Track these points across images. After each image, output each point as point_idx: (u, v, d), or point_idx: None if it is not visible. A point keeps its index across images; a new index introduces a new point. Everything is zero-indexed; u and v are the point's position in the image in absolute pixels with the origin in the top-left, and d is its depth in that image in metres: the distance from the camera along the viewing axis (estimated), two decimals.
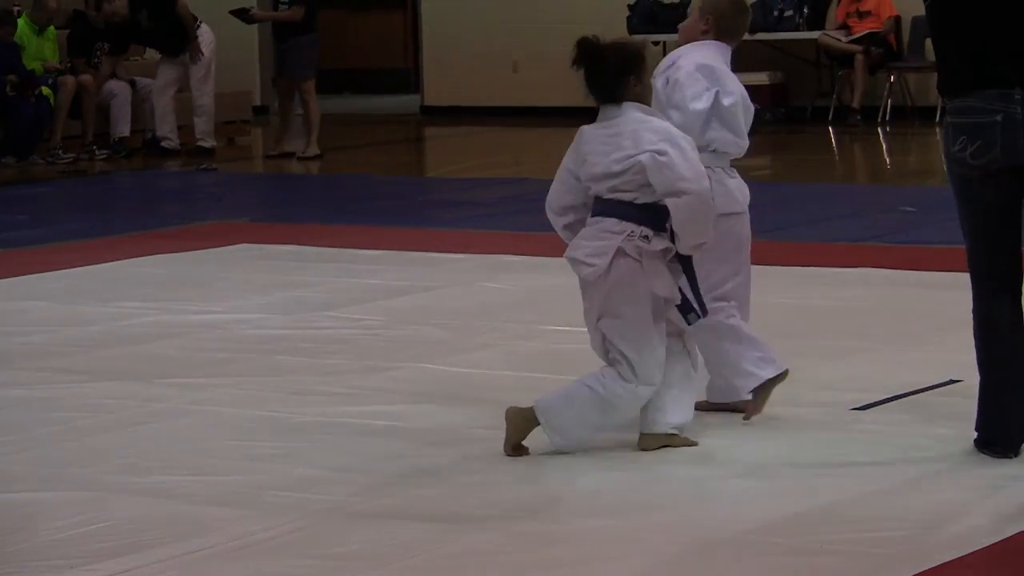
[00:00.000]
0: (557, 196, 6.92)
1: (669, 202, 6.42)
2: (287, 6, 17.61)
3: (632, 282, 6.46)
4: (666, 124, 6.65)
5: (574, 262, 6.60)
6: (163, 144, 18.20)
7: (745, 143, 7.10)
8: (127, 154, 17.81)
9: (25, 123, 17.26)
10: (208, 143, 18.24)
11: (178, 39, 18.05)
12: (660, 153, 6.44)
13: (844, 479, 6.13)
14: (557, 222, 6.85)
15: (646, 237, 6.46)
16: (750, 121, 7.11)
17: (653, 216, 6.48)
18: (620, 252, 6.45)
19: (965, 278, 6.39)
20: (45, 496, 6.10)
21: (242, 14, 18.12)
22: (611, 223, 6.52)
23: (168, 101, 18.30)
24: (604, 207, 6.58)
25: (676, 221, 6.44)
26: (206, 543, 5.54)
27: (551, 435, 6.46)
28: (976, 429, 6.37)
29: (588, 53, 6.87)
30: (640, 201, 6.48)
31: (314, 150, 17.61)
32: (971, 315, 6.34)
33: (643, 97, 6.79)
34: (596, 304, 6.57)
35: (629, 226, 6.47)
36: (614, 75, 6.81)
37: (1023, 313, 6.29)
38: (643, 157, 6.45)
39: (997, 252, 6.27)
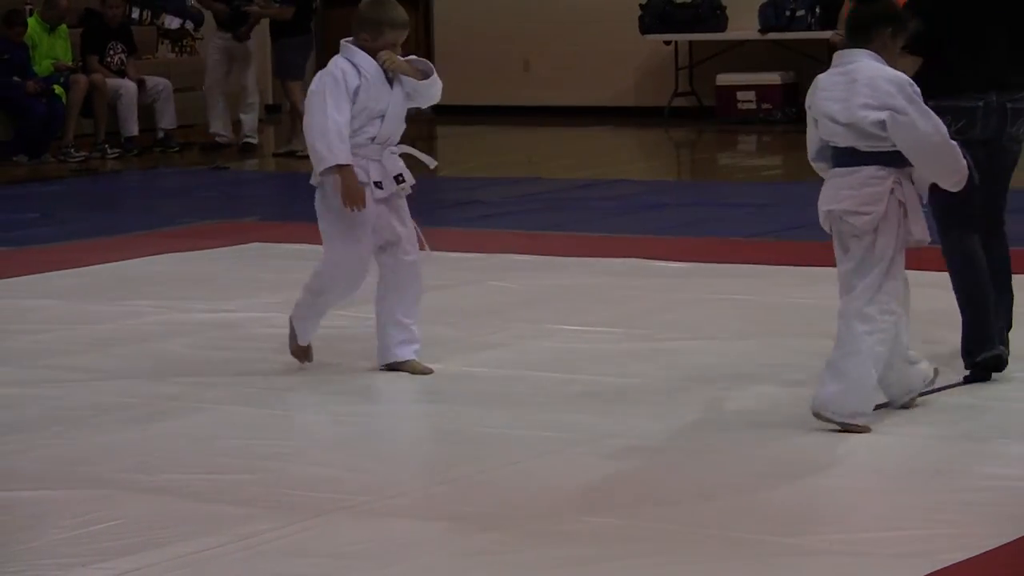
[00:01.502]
0: (811, 146, 7.14)
1: (914, 155, 6.75)
2: (279, 4, 17.62)
3: (897, 227, 6.76)
4: (900, 75, 6.84)
5: (844, 213, 6.80)
6: (217, 139, 18.26)
7: None
8: (138, 152, 17.83)
9: (37, 122, 17.29)
10: (255, 139, 18.28)
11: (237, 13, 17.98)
12: (900, 112, 6.68)
13: (849, 479, 6.14)
14: (820, 168, 7.12)
15: (899, 183, 6.76)
16: None
17: (903, 161, 6.77)
18: (891, 198, 6.73)
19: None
20: (55, 494, 6.11)
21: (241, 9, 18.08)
22: (872, 171, 6.78)
23: (220, 96, 18.34)
24: (857, 157, 6.80)
25: (926, 170, 6.81)
26: (215, 541, 5.54)
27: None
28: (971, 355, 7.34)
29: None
30: (893, 149, 6.73)
31: (301, 146, 17.65)
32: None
33: (886, 52, 6.88)
34: (858, 253, 6.80)
35: (891, 172, 6.75)
36: (873, 18, 6.92)
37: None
38: (884, 115, 6.69)
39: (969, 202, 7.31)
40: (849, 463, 6.34)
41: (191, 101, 19.21)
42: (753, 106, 19.18)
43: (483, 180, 15.33)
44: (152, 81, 18.26)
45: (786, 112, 18.87)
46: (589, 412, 7.10)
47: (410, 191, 7.97)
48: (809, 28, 19.22)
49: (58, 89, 17.66)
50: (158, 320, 9.14)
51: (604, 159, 17.27)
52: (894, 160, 6.77)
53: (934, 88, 7.16)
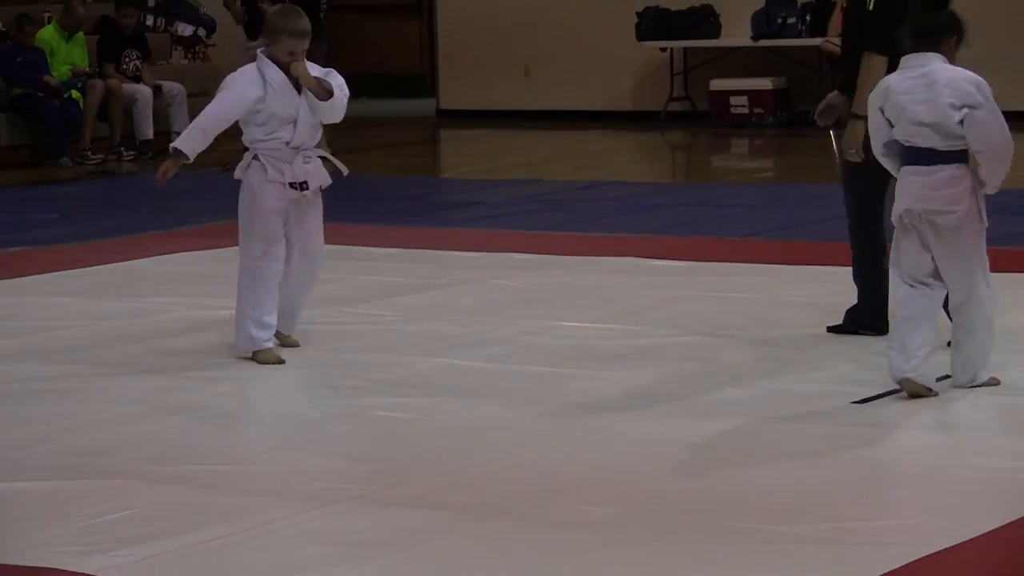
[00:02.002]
0: (877, 142, 7.25)
1: (981, 150, 6.96)
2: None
3: (979, 220, 7.03)
4: (977, 76, 7.01)
5: (930, 213, 7.00)
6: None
7: None
8: (153, 155, 17.84)
9: (54, 125, 17.30)
10: None
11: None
12: (978, 108, 6.90)
13: (841, 470, 6.16)
14: (886, 162, 7.26)
15: (975, 180, 7.00)
16: None
17: (968, 157, 7.01)
18: (972, 196, 6.99)
19: None
20: (74, 484, 6.13)
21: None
22: (952, 170, 6.98)
23: None
24: (936, 156, 6.97)
25: (988, 165, 6.98)
26: (228, 530, 5.56)
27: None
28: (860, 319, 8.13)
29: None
30: (964, 148, 6.97)
31: (325, 151, 17.61)
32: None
33: (950, 57, 7.09)
34: (947, 248, 7.03)
35: (968, 170, 6.99)
36: (941, 27, 7.10)
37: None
38: (968, 113, 6.89)
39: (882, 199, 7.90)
40: (839, 455, 6.34)
41: (204, 105, 19.13)
42: (746, 110, 19.18)
43: (485, 182, 15.33)
44: (167, 86, 18.27)
45: (777, 116, 18.88)
46: (586, 406, 7.12)
47: (316, 196, 8.22)
48: (799, 35, 19.22)
49: (75, 94, 17.67)
50: (172, 317, 9.16)
51: (602, 162, 17.27)
52: (968, 158, 7.01)
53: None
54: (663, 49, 20.39)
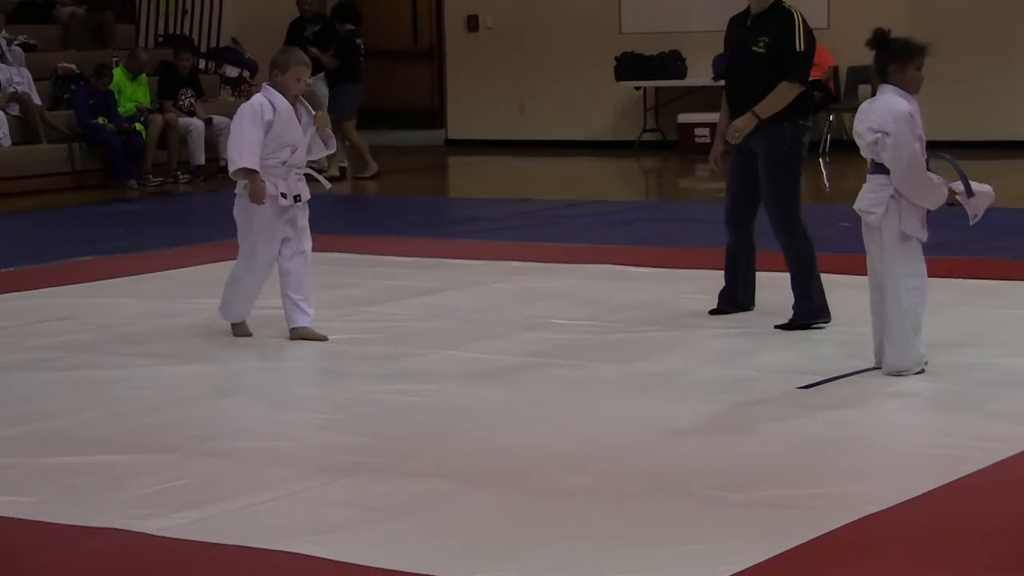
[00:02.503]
0: None
1: (891, 172, 7.06)
2: (331, 54, 17.58)
3: (897, 224, 7.06)
4: (898, 108, 7.05)
5: (860, 211, 7.18)
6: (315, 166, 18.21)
7: None
8: (204, 178, 17.84)
9: (119, 153, 17.34)
10: (345, 163, 18.21)
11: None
12: (888, 134, 6.98)
13: (788, 446, 6.15)
14: None
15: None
16: None
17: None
18: (892, 200, 7.05)
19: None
20: (136, 458, 6.12)
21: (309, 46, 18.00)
22: (880, 179, 7.10)
23: None
24: (875, 167, 7.12)
25: (898, 186, 7.07)
26: (266, 496, 5.56)
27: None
28: (806, 311, 8.32)
29: (876, 40, 7.19)
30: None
31: (373, 168, 17.71)
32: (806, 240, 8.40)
33: (903, 83, 7.11)
34: (875, 243, 7.15)
35: (889, 181, 7.07)
36: (883, 60, 7.15)
37: None
38: (880, 137, 7.01)
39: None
40: (786, 433, 6.34)
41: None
42: (708, 140, 18.97)
43: (486, 201, 15.33)
44: (216, 119, 18.23)
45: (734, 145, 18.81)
46: (573, 390, 7.12)
47: (304, 206, 8.35)
48: None
49: (139, 126, 17.69)
50: (219, 315, 9.14)
51: (585, 184, 17.27)
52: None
53: (807, 111, 8.54)
54: (637, 88, 20.38)
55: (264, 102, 8.17)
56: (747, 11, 8.64)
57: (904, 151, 6.99)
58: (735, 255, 8.81)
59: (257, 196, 8.10)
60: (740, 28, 8.68)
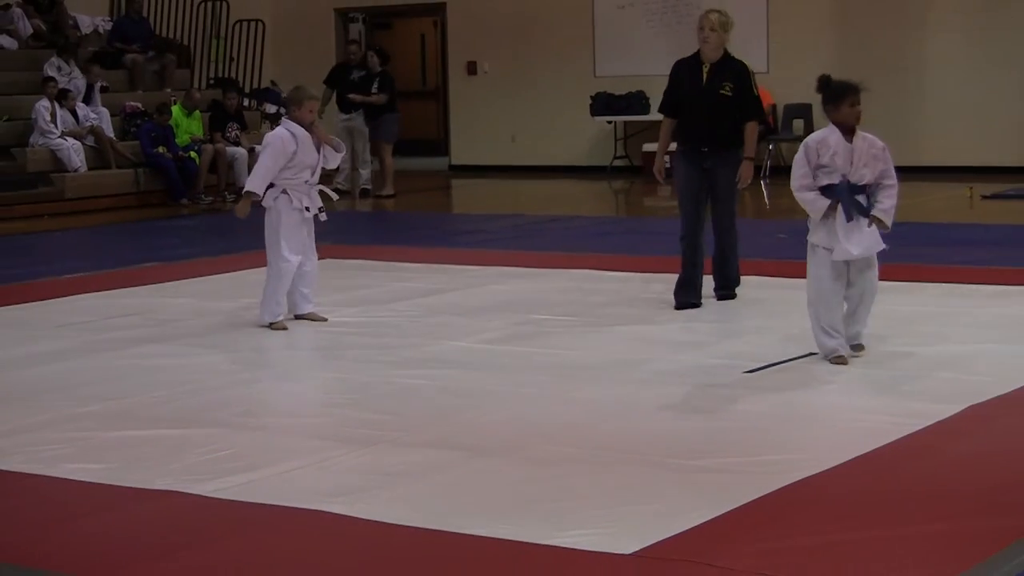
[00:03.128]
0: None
1: None
2: (376, 92, 17.59)
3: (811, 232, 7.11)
4: (807, 141, 7.02)
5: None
6: (338, 187, 18.16)
7: None
8: None
9: (175, 178, 17.37)
10: (370, 186, 18.15)
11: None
12: None
13: (737, 420, 6.11)
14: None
15: (833, 208, 6.99)
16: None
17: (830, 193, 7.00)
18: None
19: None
20: (189, 432, 6.08)
21: (353, 89, 17.92)
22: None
23: (348, 161, 18.31)
24: None
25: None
26: (298, 463, 5.53)
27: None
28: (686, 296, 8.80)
29: (818, 85, 7.09)
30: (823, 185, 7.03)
31: (390, 190, 17.71)
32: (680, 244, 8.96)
33: (839, 120, 6.99)
34: None
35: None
36: (823, 102, 7.05)
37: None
38: None
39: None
40: (735, 409, 6.31)
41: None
42: (669, 166, 19.05)
43: (484, 216, 15.30)
44: (258, 148, 18.16)
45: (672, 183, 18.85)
46: (556, 375, 7.07)
47: (325, 217, 8.56)
48: None
49: (193, 154, 17.68)
50: (258, 312, 9.08)
51: (566, 201, 17.24)
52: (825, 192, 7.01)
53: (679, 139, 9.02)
54: (609, 122, 20.37)
55: (287, 135, 8.29)
56: (697, 57, 8.86)
57: (793, 174, 7.03)
58: (694, 252, 8.98)
59: (242, 213, 8.38)
60: (696, 72, 8.85)
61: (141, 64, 19.42)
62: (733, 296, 9.05)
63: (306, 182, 8.36)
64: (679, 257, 9.19)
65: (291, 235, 8.38)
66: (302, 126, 8.33)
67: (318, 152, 8.40)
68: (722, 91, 8.72)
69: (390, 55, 18.48)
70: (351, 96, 17.80)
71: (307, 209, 8.38)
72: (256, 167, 8.48)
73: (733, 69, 8.78)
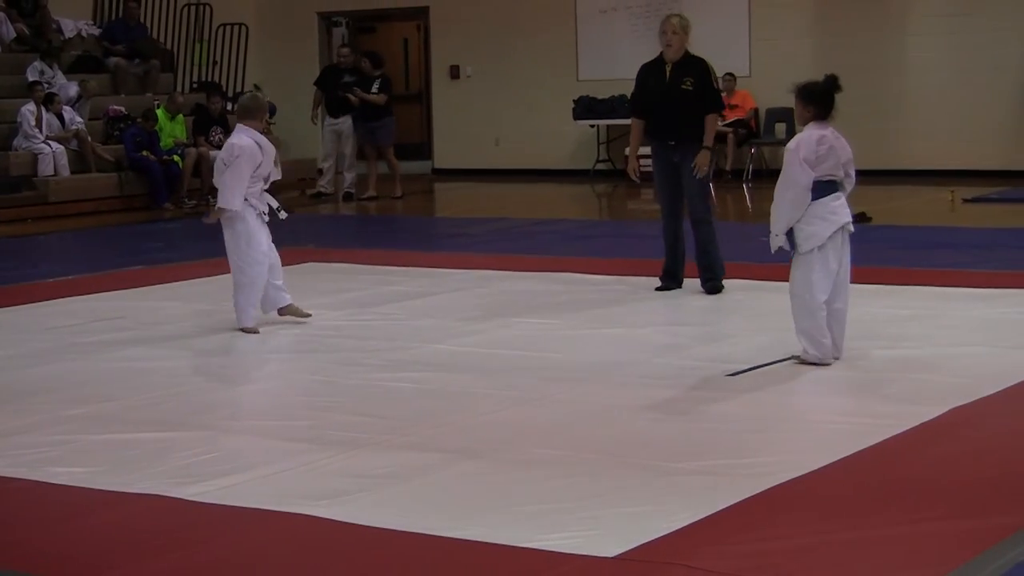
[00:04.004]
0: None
1: None
2: (376, 92, 17.56)
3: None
4: (795, 140, 7.06)
5: (848, 225, 7.10)
6: (323, 191, 18.14)
7: None
8: None
9: (159, 181, 17.37)
10: (354, 189, 18.12)
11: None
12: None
13: (719, 423, 6.12)
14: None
15: None
16: None
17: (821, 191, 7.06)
18: None
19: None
20: (175, 435, 6.08)
21: (346, 91, 17.89)
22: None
23: (331, 163, 18.26)
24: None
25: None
26: (284, 467, 5.53)
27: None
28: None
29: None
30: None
31: (399, 192, 17.75)
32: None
33: (802, 119, 7.12)
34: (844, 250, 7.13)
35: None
36: (796, 102, 7.15)
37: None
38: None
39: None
40: (717, 412, 6.32)
41: None
42: (650, 169, 19.07)
43: (468, 219, 15.30)
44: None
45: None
46: (539, 378, 7.08)
47: (285, 215, 8.72)
48: None
49: (176, 158, 17.66)
50: None
51: (550, 205, 17.26)
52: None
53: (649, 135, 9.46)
54: (592, 125, 20.39)
55: (254, 145, 8.35)
56: (660, 59, 9.42)
57: (784, 173, 7.07)
58: (674, 242, 9.51)
59: (211, 222, 8.53)
60: (659, 72, 9.40)
61: (122, 68, 19.38)
62: (720, 287, 9.34)
63: (263, 189, 8.52)
64: (662, 260, 9.20)
65: (259, 242, 8.47)
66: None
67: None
68: (683, 86, 9.26)
69: (384, 59, 18.46)
70: (355, 93, 17.69)
71: (267, 213, 8.51)
72: (230, 181, 8.34)
73: (694, 65, 9.33)
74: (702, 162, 9.29)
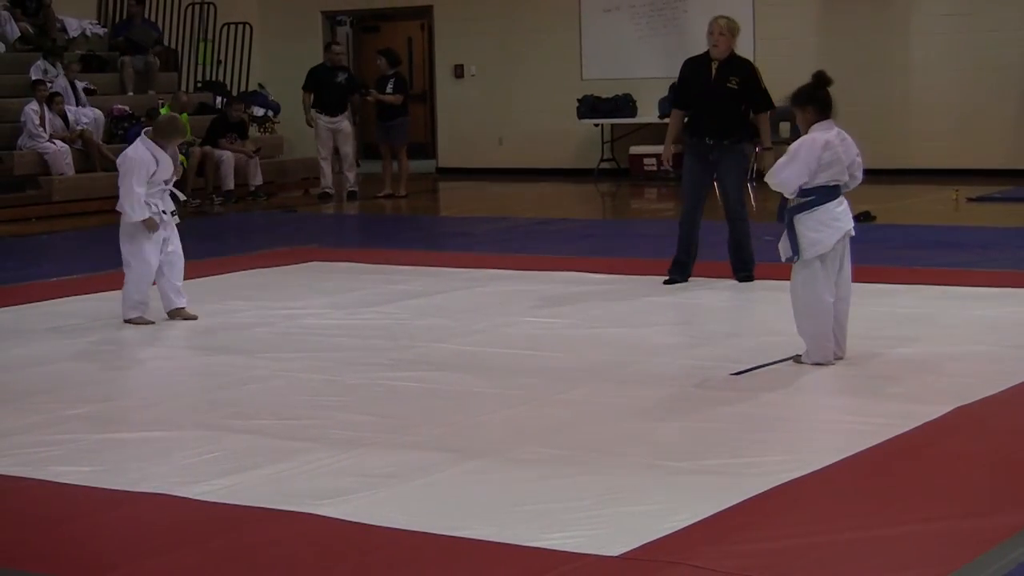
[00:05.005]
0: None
1: None
2: (391, 92, 17.55)
3: None
4: (801, 140, 7.04)
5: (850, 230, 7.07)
6: (326, 191, 18.13)
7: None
8: (236, 200, 17.79)
9: None
10: (356, 188, 18.11)
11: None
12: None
13: (723, 422, 6.12)
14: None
15: None
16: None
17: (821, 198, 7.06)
18: None
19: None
20: (178, 434, 6.09)
21: (362, 92, 17.86)
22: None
23: (329, 162, 18.24)
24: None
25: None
26: (288, 467, 5.52)
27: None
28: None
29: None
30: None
31: (403, 191, 17.74)
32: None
33: (805, 123, 7.09)
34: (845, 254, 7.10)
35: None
36: (793, 108, 7.17)
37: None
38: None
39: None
40: (722, 411, 6.30)
41: (272, 166, 19.15)
42: (655, 169, 19.12)
43: (471, 218, 15.30)
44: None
45: (676, 172, 18.82)
46: (543, 377, 7.08)
47: (178, 219, 8.98)
48: None
49: (180, 157, 17.63)
50: (249, 315, 9.11)
51: (553, 204, 17.26)
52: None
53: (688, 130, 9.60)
54: (596, 124, 20.38)
55: (149, 157, 8.73)
56: (706, 56, 9.62)
57: (782, 169, 7.05)
58: (689, 236, 9.66)
59: (153, 227, 8.74)
60: (704, 69, 9.60)
61: (128, 67, 19.39)
62: (751, 277, 9.62)
63: (162, 190, 8.84)
64: (667, 260, 9.19)
65: (152, 238, 8.75)
66: (165, 151, 8.81)
67: (174, 163, 8.95)
68: (728, 84, 9.46)
69: (400, 57, 18.46)
70: (372, 94, 17.62)
71: (164, 213, 8.82)
72: (124, 192, 8.73)
73: (741, 66, 9.60)
74: (768, 163, 8.93)
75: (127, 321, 8.76)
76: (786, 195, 6.99)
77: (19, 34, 18.96)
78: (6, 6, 19.18)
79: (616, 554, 4.41)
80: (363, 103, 17.71)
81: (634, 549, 4.44)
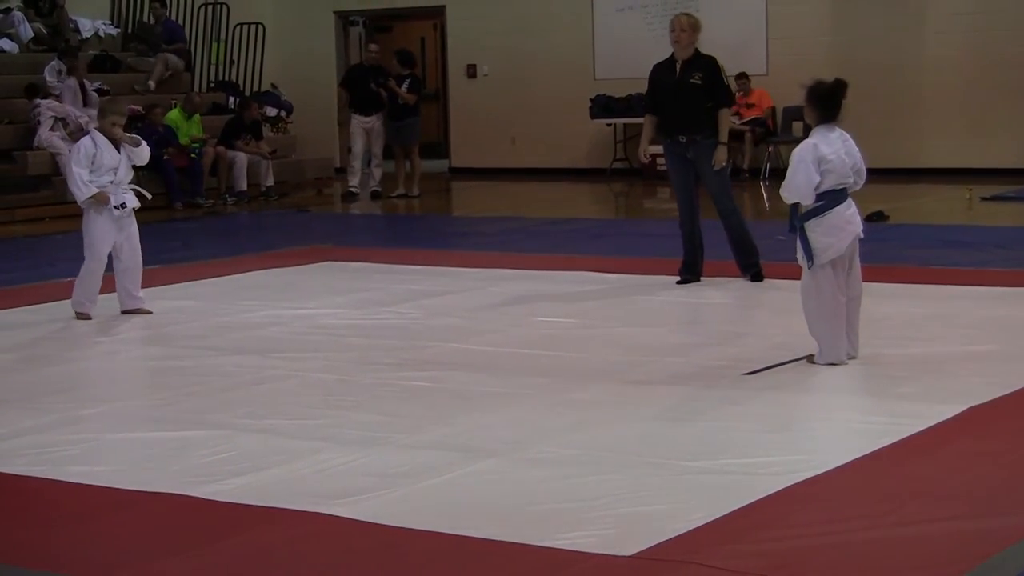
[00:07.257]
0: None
1: None
2: (406, 90, 17.54)
3: None
4: (804, 143, 7.06)
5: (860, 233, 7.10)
6: (351, 190, 18.13)
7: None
8: (248, 200, 17.82)
9: (174, 181, 17.36)
10: (380, 188, 18.10)
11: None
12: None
13: (735, 421, 6.12)
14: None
15: None
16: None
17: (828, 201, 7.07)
18: None
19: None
20: (192, 434, 6.09)
21: (379, 82, 17.87)
22: None
23: (360, 161, 18.23)
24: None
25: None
26: (302, 466, 5.53)
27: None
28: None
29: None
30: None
31: (416, 191, 17.77)
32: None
33: (811, 120, 7.12)
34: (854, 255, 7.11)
35: None
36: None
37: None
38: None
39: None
40: (733, 411, 6.30)
41: (285, 166, 19.19)
42: (667, 168, 19.09)
43: (483, 218, 15.32)
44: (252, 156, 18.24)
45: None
46: (553, 377, 7.08)
47: (131, 214, 9.06)
48: None
49: (194, 156, 17.69)
50: (262, 314, 9.13)
51: (566, 204, 17.26)
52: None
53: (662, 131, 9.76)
54: (609, 124, 20.39)
55: (88, 142, 8.96)
56: (671, 58, 9.79)
57: (792, 176, 7.03)
58: (691, 237, 9.78)
59: (104, 200, 8.87)
60: (670, 71, 9.79)
61: (161, 63, 19.42)
62: (760, 272, 9.65)
63: (111, 182, 8.93)
64: (676, 259, 9.20)
65: (104, 234, 8.95)
66: (107, 136, 8.90)
67: (118, 151, 8.96)
68: (692, 80, 9.59)
69: (415, 58, 18.47)
70: (388, 86, 17.62)
71: (116, 207, 8.92)
72: (70, 176, 9.09)
73: (703, 62, 9.69)
74: (720, 157, 9.62)
75: (77, 314, 9.02)
76: (804, 202, 6.99)
77: (32, 34, 19.01)
78: (19, 6, 19.23)
79: (629, 554, 4.42)
80: (377, 94, 17.69)
81: (646, 549, 4.45)
